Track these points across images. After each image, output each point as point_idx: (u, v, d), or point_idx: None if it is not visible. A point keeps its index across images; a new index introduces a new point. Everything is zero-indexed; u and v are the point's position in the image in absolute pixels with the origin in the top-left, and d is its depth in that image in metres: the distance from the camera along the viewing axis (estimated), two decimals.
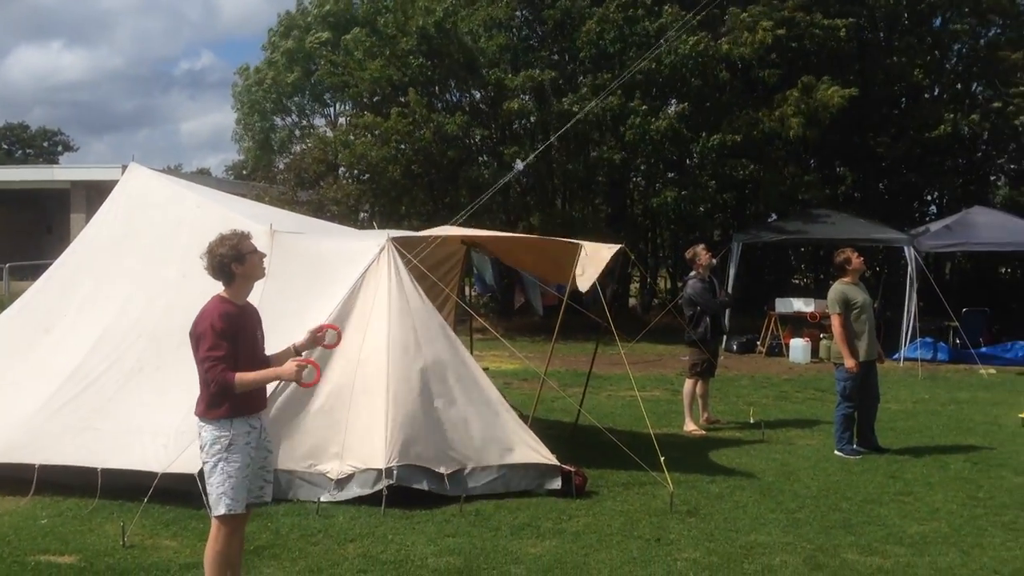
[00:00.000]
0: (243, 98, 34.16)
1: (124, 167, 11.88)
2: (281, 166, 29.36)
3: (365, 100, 24.65)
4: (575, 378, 13.60)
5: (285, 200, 22.71)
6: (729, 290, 17.59)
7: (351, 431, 7.42)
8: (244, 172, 36.59)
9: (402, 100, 22.17)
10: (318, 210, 21.48)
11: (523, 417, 8.35)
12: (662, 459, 7.68)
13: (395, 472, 7.19)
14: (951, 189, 26.16)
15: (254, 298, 5.38)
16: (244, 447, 4.98)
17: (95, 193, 26.24)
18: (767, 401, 13.22)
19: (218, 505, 4.96)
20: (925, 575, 6.03)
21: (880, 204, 25.26)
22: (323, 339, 5.33)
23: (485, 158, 23.39)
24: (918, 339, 17.59)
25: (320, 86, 30.87)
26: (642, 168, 22.48)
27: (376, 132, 22.06)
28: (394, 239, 8.33)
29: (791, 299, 19.65)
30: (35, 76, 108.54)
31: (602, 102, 19.11)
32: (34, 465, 7.33)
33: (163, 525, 6.74)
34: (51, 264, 9.35)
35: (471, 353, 8.82)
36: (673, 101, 21.88)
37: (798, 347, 18.08)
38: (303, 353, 5.24)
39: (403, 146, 21.76)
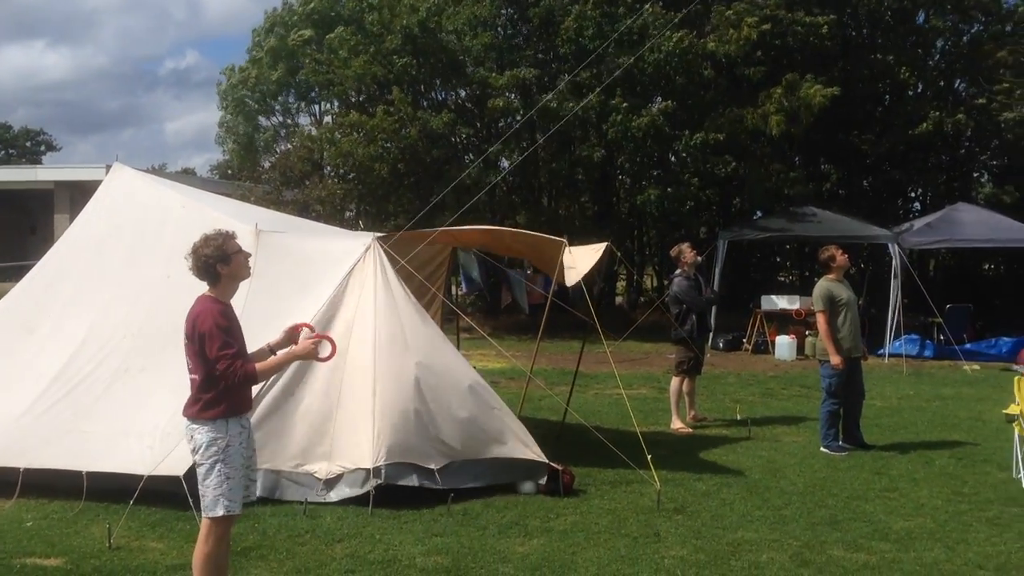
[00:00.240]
0: (228, 96, 34.03)
1: (108, 167, 11.79)
2: (266, 165, 29.27)
3: (352, 99, 24.60)
4: (562, 376, 13.61)
5: (271, 200, 22.63)
6: (715, 288, 17.62)
7: (339, 431, 7.41)
8: (229, 172, 36.43)
9: (388, 98, 22.14)
10: (303, 210, 21.42)
11: None
12: (649, 457, 7.70)
13: (383, 471, 7.19)
14: (935, 186, 26.29)
15: (240, 298, 5.36)
16: (239, 448, 4.99)
17: (79, 193, 26.12)
18: (753, 398, 13.26)
19: (216, 507, 4.94)
20: (910, 571, 6.06)
21: (864, 201, 25.37)
22: (298, 337, 5.28)
23: (471, 157, 23.38)
24: (903, 335, 17.69)
25: (305, 84, 30.77)
26: (626, 166, 22.51)
27: (362, 130, 22.02)
28: (379, 238, 8.32)
29: (777, 296, 19.72)
30: (19, 75, 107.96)
31: (585, 102, 19.11)
32: (19, 468, 7.28)
33: (149, 527, 6.71)
34: (35, 265, 9.30)
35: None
36: (658, 99, 21.90)
37: (784, 344, 18.15)
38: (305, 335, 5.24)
39: (389, 144, 21.73)
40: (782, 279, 28.41)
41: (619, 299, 27.17)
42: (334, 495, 7.26)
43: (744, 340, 19.49)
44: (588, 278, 8.85)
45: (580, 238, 10.02)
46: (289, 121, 34.52)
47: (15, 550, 6.27)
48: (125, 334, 7.98)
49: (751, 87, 21.98)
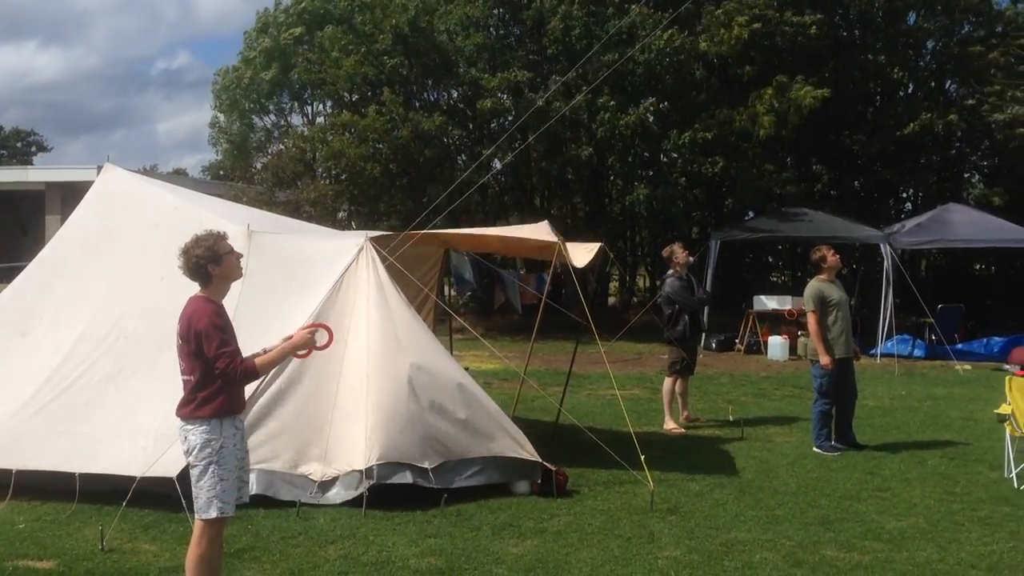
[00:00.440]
0: (222, 96, 33.97)
1: (99, 168, 11.77)
2: (259, 166, 29.22)
3: (345, 98, 24.58)
4: (555, 377, 13.61)
5: (263, 200, 22.60)
6: (707, 288, 17.66)
7: (333, 433, 7.40)
8: (221, 173, 36.34)
9: (380, 98, 22.13)
10: (295, 211, 21.39)
11: None
12: (642, 457, 7.70)
13: (375, 471, 7.17)
14: (926, 186, 26.38)
15: (232, 299, 5.35)
16: (233, 449, 4.98)
17: (70, 194, 25.99)
18: (746, 399, 13.29)
19: (209, 508, 4.93)
20: (903, 570, 6.07)
21: (856, 201, 25.45)
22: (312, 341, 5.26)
23: (463, 158, 23.38)
24: (895, 336, 17.73)
25: (299, 84, 30.75)
26: (616, 166, 22.54)
27: (353, 130, 22.00)
28: (372, 239, 8.31)
29: (769, 297, 19.76)
30: (9, 76, 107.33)
31: (574, 103, 19.13)
32: (11, 470, 7.26)
33: (142, 529, 6.69)
34: (26, 266, 9.27)
35: (450, 354, 8.81)
36: (651, 98, 21.93)
37: (776, 344, 18.19)
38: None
39: (381, 145, 21.72)
40: (774, 279, 28.48)
41: (612, 299, 27.19)
42: (328, 497, 7.24)
43: (737, 340, 19.52)
44: (581, 279, 8.87)
45: (572, 238, 10.00)
46: (283, 122, 34.49)
47: (7, 552, 6.25)
48: (118, 336, 7.96)
49: (743, 87, 22.03)
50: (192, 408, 4.95)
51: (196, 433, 4.93)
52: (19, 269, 9.56)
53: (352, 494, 7.19)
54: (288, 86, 32.29)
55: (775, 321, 19.05)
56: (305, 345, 5.13)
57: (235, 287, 5.38)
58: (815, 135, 23.64)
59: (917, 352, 17.92)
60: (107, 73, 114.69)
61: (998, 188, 24.96)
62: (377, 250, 8.19)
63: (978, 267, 28.27)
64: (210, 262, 4.99)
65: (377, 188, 22.56)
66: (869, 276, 22.85)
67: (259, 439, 7.14)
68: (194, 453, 4.94)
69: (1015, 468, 8.37)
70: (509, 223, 21.87)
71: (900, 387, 14.38)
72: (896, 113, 24.02)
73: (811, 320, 9.62)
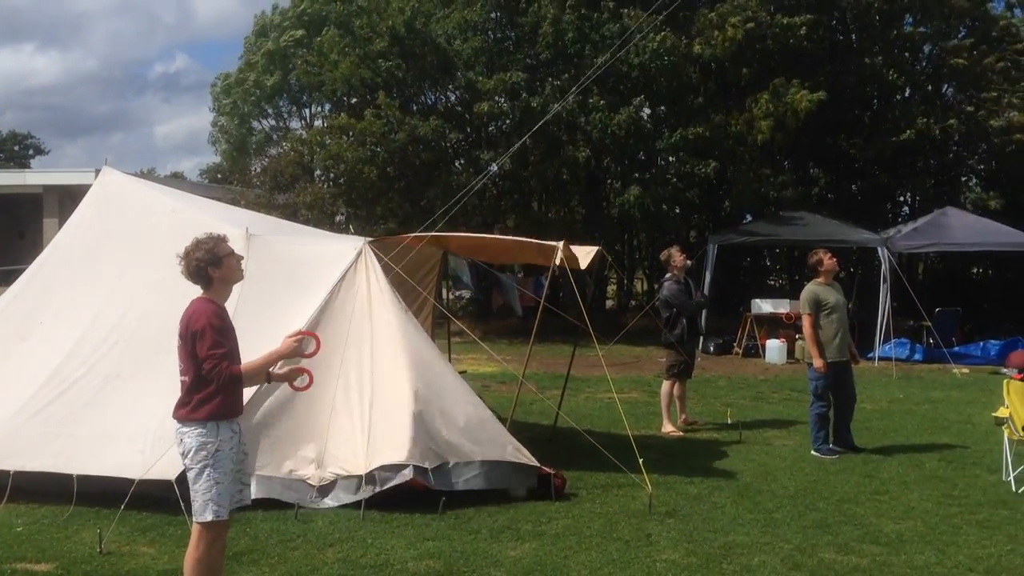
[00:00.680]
0: (222, 98, 34.02)
1: (97, 171, 11.77)
2: (258, 169, 29.26)
3: (343, 101, 24.59)
4: (553, 380, 13.60)
5: (261, 203, 22.61)
6: (705, 291, 17.67)
7: (332, 437, 7.40)
8: (219, 176, 36.38)
9: (376, 102, 22.14)
10: (293, 214, 21.41)
11: (501, 420, 8.36)
12: (640, 461, 7.71)
13: (376, 476, 7.17)
14: (923, 190, 26.41)
15: (231, 302, 5.35)
16: (229, 452, 4.96)
17: (68, 197, 26.02)
18: (744, 402, 13.29)
19: (204, 511, 4.92)
20: (901, 573, 6.07)
21: (853, 205, 25.48)
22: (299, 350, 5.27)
23: (461, 162, 23.39)
24: (892, 339, 17.75)
25: (298, 87, 30.81)
26: (611, 167, 22.55)
27: (351, 133, 22.01)
28: (370, 242, 8.32)
29: (766, 300, 19.78)
30: (7, 79, 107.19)
31: (562, 102, 19.14)
32: (9, 472, 7.24)
33: (140, 532, 6.69)
34: (24, 269, 9.26)
35: (448, 357, 8.82)
36: (641, 96, 21.93)
37: (774, 348, 18.21)
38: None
39: (378, 148, 21.72)
40: (772, 283, 28.50)
41: (610, 303, 27.19)
42: (328, 502, 7.24)
43: (734, 344, 19.54)
44: (579, 282, 8.88)
45: (570, 242, 10.00)
46: (281, 125, 34.54)
47: (5, 555, 6.24)
48: (117, 339, 7.95)
49: (739, 91, 22.06)
50: (188, 410, 4.94)
51: (192, 435, 4.92)
52: (17, 272, 9.57)
53: (351, 498, 7.19)
54: (288, 90, 32.35)
55: (773, 324, 19.07)
56: (293, 354, 5.08)
57: (234, 290, 5.37)
58: (812, 139, 23.67)
59: (915, 356, 17.94)
60: (105, 76, 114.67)
61: (995, 192, 25.02)
62: (376, 253, 8.19)
63: (975, 271, 28.31)
64: (210, 265, 4.99)
65: (375, 191, 22.56)
66: (867, 280, 22.89)
67: (258, 444, 7.14)
68: (190, 456, 4.93)
69: (1013, 471, 8.37)
70: (506, 227, 21.90)
71: (898, 390, 14.39)
72: (893, 117, 24.04)
73: (806, 323, 9.64)
